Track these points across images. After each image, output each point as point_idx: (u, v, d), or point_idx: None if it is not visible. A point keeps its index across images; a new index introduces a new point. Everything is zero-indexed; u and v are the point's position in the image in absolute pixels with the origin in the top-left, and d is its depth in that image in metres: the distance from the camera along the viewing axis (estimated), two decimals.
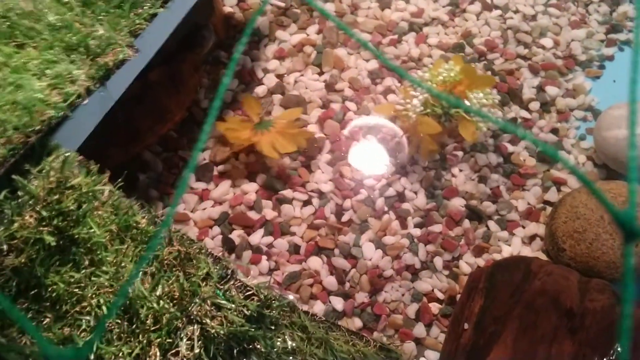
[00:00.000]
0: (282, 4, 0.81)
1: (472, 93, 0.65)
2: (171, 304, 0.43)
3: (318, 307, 0.61)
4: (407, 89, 0.69)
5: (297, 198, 0.67)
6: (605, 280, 0.60)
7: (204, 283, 0.46)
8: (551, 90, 0.74)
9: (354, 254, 0.64)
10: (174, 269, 0.45)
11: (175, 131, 0.71)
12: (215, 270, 0.46)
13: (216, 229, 0.66)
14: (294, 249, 0.64)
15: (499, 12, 0.80)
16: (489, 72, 0.75)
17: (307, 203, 0.67)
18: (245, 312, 0.45)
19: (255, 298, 0.47)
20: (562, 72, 0.75)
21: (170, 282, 0.44)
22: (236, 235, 0.65)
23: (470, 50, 0.77)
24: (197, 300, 0.44)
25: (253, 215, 0.66)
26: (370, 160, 0.69)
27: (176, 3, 0.55)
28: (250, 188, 0.67)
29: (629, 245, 0.18)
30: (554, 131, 0.72)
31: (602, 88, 0.75)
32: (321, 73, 0.76)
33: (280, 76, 0.76)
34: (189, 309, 0.43)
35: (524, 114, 0.72)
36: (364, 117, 0.72)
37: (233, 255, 0.64)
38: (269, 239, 0.65)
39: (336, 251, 0.64)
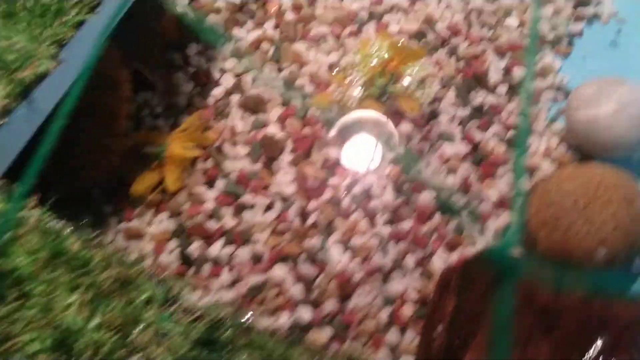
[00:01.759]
0: (237, 1, 0.77)
1: (407, 68, 0.62)
2: (112, 333, 0.40)
3: (284, 319, 0.58)
4: (339, 76, 0.65)
5: (258, 203, 0.64)
6: (583, 270, 0.58)
7: (147, 307, 0.43)
8: (518, 72, 0.71)
9: (320, 259, 0.61)
10: (113, 295, 0.42)
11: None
12: (159, 292, 0.43)
13: (173, 243, 0.62)
14: (257, 258, 0.61)
15: None
16: (454, 57, 0.72)
17: (269, 207, 0.64)
18: (194, 335, 0.42)
19: (204, 320, 0.44)
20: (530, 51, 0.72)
21: (109, 308, 0.41)
22: (195, 247, 0.62)
23: (432, 36, 0.74)
24: (140, 327, 0.41)
25: (212, 224, 0.63)
26: (364, 156, 0.66)
27: (107, 8, 0.51)
28: (209, 196, 0.64)
29: (504, 288, 0.15)
30: (524, 114, 0.69)
31: (572, 66, 0.72)
32: (280, 69, 0.73)
33: (237, 75, 0.72)
34: (132, 337, 0.40)
35: (492, 98, 0.69)
36: (347, 114, 0.69)
37: (192, 270, 0.61)
38: (230, 249, 0.62)
39: (302, 257, 0.61)
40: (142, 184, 0.64)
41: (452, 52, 0.73)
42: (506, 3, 0.75)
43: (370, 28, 0.75)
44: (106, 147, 0.61)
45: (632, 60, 0.71)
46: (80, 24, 0.48)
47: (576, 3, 0.76)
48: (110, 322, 0.41)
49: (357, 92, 0.62)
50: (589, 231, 0.57)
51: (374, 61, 0.62)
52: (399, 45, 0.64)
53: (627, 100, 0.62)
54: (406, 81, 0.66)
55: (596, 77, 0.66)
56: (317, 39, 0.74)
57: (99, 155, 0.61)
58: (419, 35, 0.74)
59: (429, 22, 0.75)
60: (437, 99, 0.69)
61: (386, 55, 0.63)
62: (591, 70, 0.71)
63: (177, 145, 0.65)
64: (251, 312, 0.58)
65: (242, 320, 0.45)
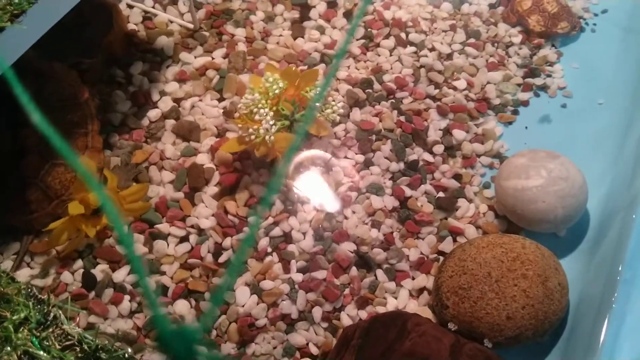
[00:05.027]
0: (191, 26, 0.77)
1: (306, 92, 0.63)
2: None
3: None
4: (243, 117, 0.63)
5: (173, 233, 0.62)
6: (487, 343, 0.56)
7: (20, 329, 0.41)
8: (458, 134, 0.70)
9: (225, 299, 0.59)
10: None
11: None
12: (36, 314, 0.41)
13: (79, 262, 0.60)
14: (162, 290, 0.59)
15: (413, 49, 0.76)
16: (396, 111, 0.72)
17: (183, 239, 0.62)
18: None
19: (78, 348, 0.42)
20: (473, 115, 0.72)
21: None
22: (100, 270, 0.60)
23: (378, 86, 0.73)
24: (8, 348, 0.39)
25: (121, 250, 0.61)
26: (292, 197, 0.65)
27: (31, 18, 0.50)
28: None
29: None
30: (457, 177, 0.68)
31: (513, 134, 0.72)
32: (221, 99, 0.72)
33: (177, 100, 0.71)
34: None
35: (427, 156, 0.69)
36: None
37: (92, 293, 0.59)
38: (136, 277, 0.59)
39: (207, 295, 0.59)
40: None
41: (396, 105, 0.72)
42: (457, 63, 0.75)
43: (319, 70, 0.75)
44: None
45: (570, 136, 0.71)
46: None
47: (527, 72, 0.76)
48: None
49: (266, 128, 0.60)
50: (498, 305, 0.56)
51: (273, 94, 0.62)
52: (292, 72, 0.64)
53: (557, 175, 0.62)
54: (310, 104, 0.64)
55: (532, 148, 0.66)
56: (263, 74, 0.73)
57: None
58: (366, 84, 0.73)
59: (378, 72, 0.74)
60: (373, 150, 0.68)
61: (281, 85, 0.62)
62: (530, 140, 0.71)
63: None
64: (149, 343, 0.55)
65: (124, 354, 0.42)
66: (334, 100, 0.66)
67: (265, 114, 0.61)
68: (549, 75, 0.76)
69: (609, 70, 0.76)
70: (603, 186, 0.65)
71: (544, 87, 0.75)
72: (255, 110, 0.62)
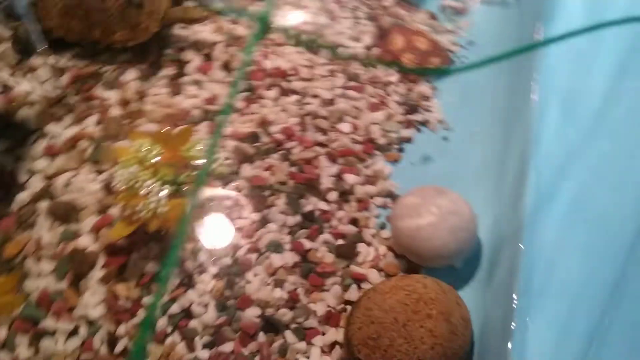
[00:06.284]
0: (54, 94, 0.72)
1: (191, 150, 0.61)
2: None
3: None
4: (125, 194, 0.59)
5: (60, 329, 0.57)
6: None
7: None
8: (350, 178, 0.71)
9: None
10: None
11: None
12: None
13: None
14: None
15: (297, 97, 0.76)
16: (287, 162, 0.71)
17: (72, 333, 0.57)
18: None
19: None
20: (361, 157, 0.73)
21: None
22: None
23: (266, 139, 0.72)
24: None
25: (4, 357, 0.55)
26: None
27: None
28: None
29: None
30: (354, 222, 0.68)
31: (402, 172, 0.74)
32: (99, 172, 0.67)
33: (49, 178, 0.66)
34: None
35: (322, 205, 0.68)
36: None
37: None
38: None
39: None
40: None
41: (285, 156, 0.71)
42: (340, 107, 0.76)
43: (203, 128, 0.73)
44: None
45: (454, 168, 0.74)
46: None
47: (407, 109, 0.78)
48: None
49: (156, 200, 0.57)
50: (408, 350, 0.56)
51: (150, 162, 0.59)
52: (163, 134, 0.62)
53: (447, 210, 0.64)
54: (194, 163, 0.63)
55: (422, 185, 0.68)
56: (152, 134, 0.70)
57: None
58: (253, 138, 0.72)
59: (264, 124, 0.73)
60: (267, 206, 0.67)
61: (158, 150, 0.60)
62: (418, 177, 0.73)
63: None
64: None
65: None
66: (218, 155, 0.64)
67: (151, 186, 0.58)
68: (427, 110, 0.79)
69: (482, 99, 0.80)
70: (490, 214, 0.68)
71: (424, 123, 0.78)
72: (137, 184, 0.58)
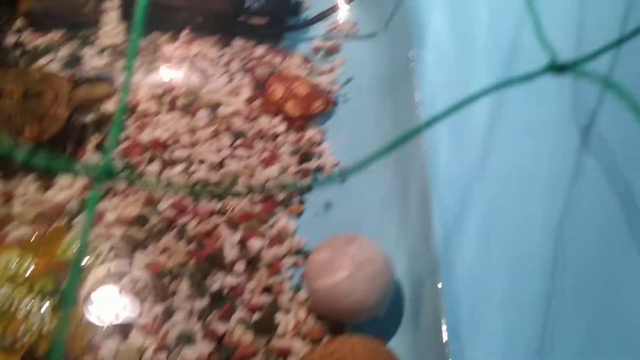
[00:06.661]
0: None
1: (67, 251, 0.57)
2: None
3: None
4: (7, 317, 0.52)
5: None
6: None
7: None
8: (254, 243, 0.66)
9: None
10: None
11: None
12: None
13: None
14: None
15: (182, 166, 0.71)
16: (183, 240, 0.65)
17: None
18: None
19: None
20: (263, 218, 0.69)
21: None
22: None
23: (156, 219, 0.66)
24: None
25: None
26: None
27: None
28: None
29: None
30: (267, 290, 0.64)
31: (308, 225, 0.71)
32: None
33: None
34: None
35: (230, 280, 0.63)
36: None
37: None
38: None
39: None
40: None
41: (181, 234, 0.66)
42: (231, 169, 0.72)
43: (63, 226, 0.65)
44: None
45: (359, 211, 0.72)
46: None
47: (300, 158, 0.76)
48: None
49: (39, 319, 0.50)
50: None
51: (23, 277, 0.52)
52: (32, 242, 0.56)
53: (360, 260, 0.61)
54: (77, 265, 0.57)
55: (330, 234, 0.65)
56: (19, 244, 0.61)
57: None
58: (141, 220, 0.66)
59: (151, 203, 0.67)
60: (170, 295, 0.61)
61: (30, 262, 0.54)
62: (325, 226, 0.70)
63: None
64: None
65: None
66: (94, 249, 0.59)
67: (29, 304, 0.51)
68: (320, 156, 0.76)
69: (371, 135, 0.79)
70: (403, 252, 0.66)
71: (319, 169, 0.75)
72: (12, 307, 0.50)
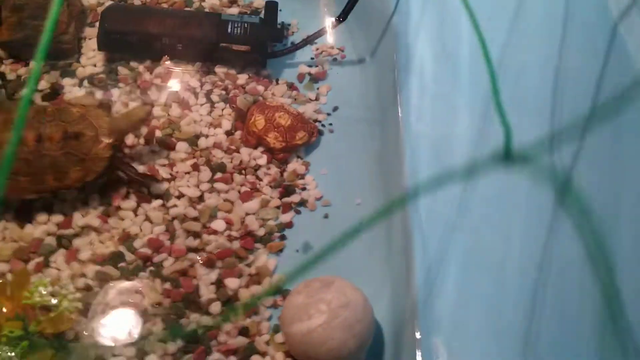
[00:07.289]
0: None
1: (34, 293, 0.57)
2: None
3: None
4: None
5: None
6: None
7: None
8: (232, 282, 0.65)
9: None
10: None
11: None
12: None
13: None
14: None
15: (159, 202, 0.70)
16: (159, 279, 0.64)
17: None
18: None
19: None
20: (242, 255, 0.68)
21: None
22: None
23: (131, 256, 0.65)
24: None
25: None
26: None
27: None
28: None
29: None
30: (244, 331, 0.62)
31: (288, 262, 0.69)
32: None
33: None
34: None
35: (206, 320, 0.62)
36: None
37: None
38: None
39: None
40: None
41: (157, 272, 0.64)
42: (210, 203, 0.71)
43: (59, 257, 0.64)
44: None
45: (340, 251, 0.70)
46: None
47: (282, 192, 0.74)
48: None
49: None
50: None
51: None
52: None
53: (336, 305, 0.59)
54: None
55: (309, 274, 0.64)
56: None
57: None
58: (116, 258, 0.65)
59: (127, 240, 0.66)
60: (142, 337, 0.60)
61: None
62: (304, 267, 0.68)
63: None
64: None
65: None
66: (62, 288, 0.58)
67: (5, 352, 0.50)
68: (303, 189, 0.75)
69: (357, 167, 0.78)
70: (384, 297, 0.65)
71: (302, 203, 0.74)
72: None
